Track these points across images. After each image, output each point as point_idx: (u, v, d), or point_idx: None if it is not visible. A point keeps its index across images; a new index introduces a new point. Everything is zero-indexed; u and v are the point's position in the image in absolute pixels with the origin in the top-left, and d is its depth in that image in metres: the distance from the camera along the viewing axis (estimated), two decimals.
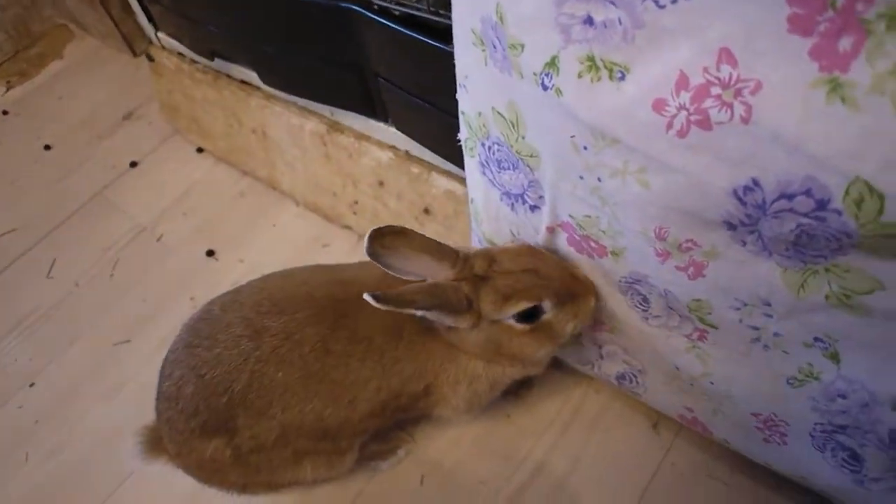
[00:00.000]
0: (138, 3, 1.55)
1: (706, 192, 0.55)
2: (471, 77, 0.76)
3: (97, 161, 1.71)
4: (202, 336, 0.87)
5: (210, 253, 1.47)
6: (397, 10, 0.91)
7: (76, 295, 1.46)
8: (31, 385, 1.31)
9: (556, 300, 0.81)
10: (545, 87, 0.61)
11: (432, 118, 0.98)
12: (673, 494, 1.01)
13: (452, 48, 0.76)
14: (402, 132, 1.12)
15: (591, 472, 1.04)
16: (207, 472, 0.92)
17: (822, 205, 0.49)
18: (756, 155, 0.50)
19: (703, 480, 1.01)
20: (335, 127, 1.26)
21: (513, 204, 0.83)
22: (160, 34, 1.57)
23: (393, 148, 1.18)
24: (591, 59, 0.56)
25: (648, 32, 0.51)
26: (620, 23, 0.52)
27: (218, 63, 1.44)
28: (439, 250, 0.82)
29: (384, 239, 0.80)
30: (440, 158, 1.08)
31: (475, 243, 1.00)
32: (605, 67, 0.56)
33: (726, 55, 0.48)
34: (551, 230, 0.80)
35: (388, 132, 1.16)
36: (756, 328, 0.67)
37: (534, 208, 0.80)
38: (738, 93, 0.49)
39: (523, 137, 0.71)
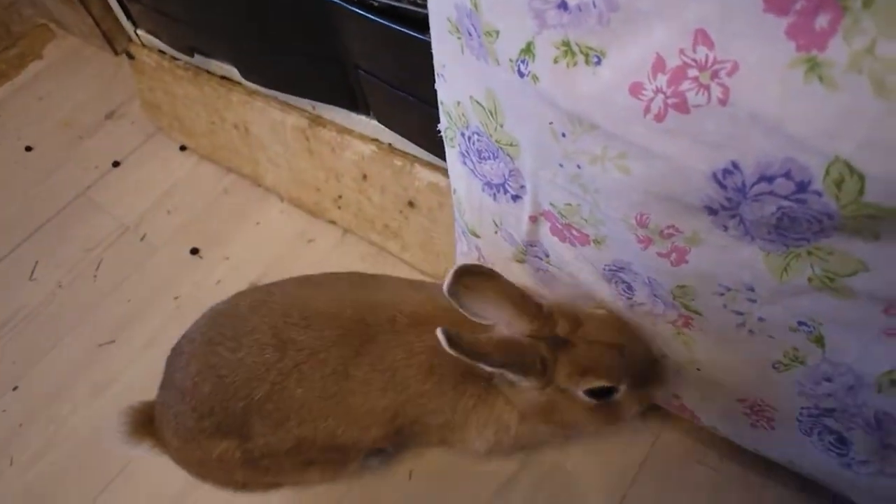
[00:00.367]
0: (117, 2, 1.53)
1: (686, 176, 0.55)
2: (448, 66, 0.74)
3: (79, 161, 1.69)
4: (226, 335, 0.84)
5: (194, 251, 1.46)
6: (376, 1, 0.89)
7: (59, 296, 1.44)
8: (15, 388, 1.30)
9: (632, 383, 0.78)
10: (521, 74, 0.60)
11: (413, 110, 0.96)
12: (662, 481, 1.01)
13: (430, 38, 0.75)
14: (384, 125, 1.11)
15: (579, 462, 1.04)
16: (209, 470, 0.90)
17: (802, 187, 0.48)
18: (735, 137, 0.49)
19: (692, 467, 1.00)
20: (317, 121, 1.25)
21: (494, 194, 0.82)
22: (140, 31, 1.55)
23: (375, 141, 1.17)
24: (566, 44, 0.55)
25: (623, 15, 0.50)
26: (595, 6, 0.51)
27: (198, 59, 1.42)
28: (523, 301, 0.77)
29: (468, 278, 0.75)
30: (423, 150, 1.07)
31: (458, 234, 0.99)
32: (581, 52, 0.55)
33: (702, 36, 0.47)
34: (534, 219, 0.79)
35: (370, 125, 1.15)
36: (741, 313, 0.67)
37: (515, 198, 0.79)
38: (714, 74, 0.48)
39: (502, 126, 0.70)
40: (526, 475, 1.05)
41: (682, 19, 0.48)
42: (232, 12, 1.15)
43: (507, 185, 0.79)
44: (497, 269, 0.93)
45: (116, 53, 1.89)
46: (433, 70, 0.78)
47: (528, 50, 0.58)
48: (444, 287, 0.74)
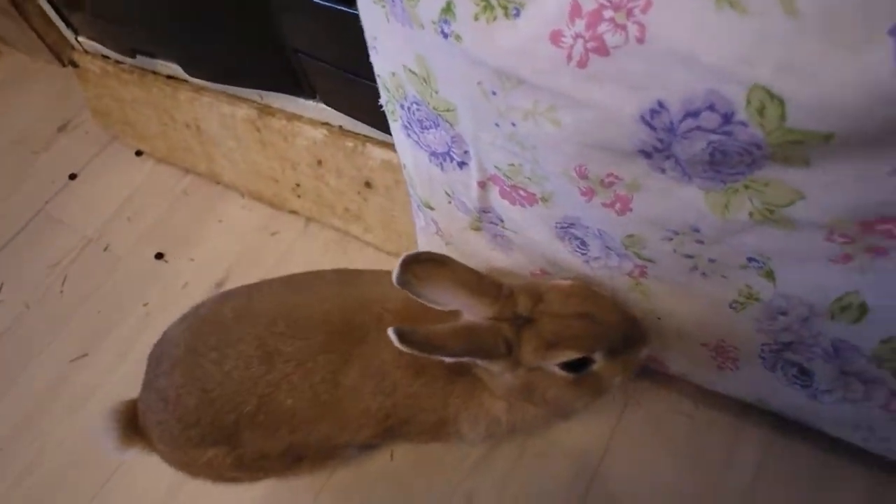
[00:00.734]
0: (55, 11, 1.49)
1: (616, 121, 0.54)
2: (378, 37, 0.73)
3: (35, 177, 1.67)
4: (209, 345, 0.81)
5: (159, 256, 1.44)
6: None
7: (27, 316, 1.42)
8: None
9: (608, 351, 0.74)
10: (445, 35, 0.59)
11: (356, 88, 0.95)
12: (640, 434, 1.01)
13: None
14: (332, 107, 1.09)
15: (557, 426, 1.04)
16: (197, 470, 0.88)
17: (727, 118, 0.48)
18: (657, 75, 0.49)
19: (668, 417, 1.01)
20: (266, 111, 1.23)
21: (441, 163, 0.81)
22: (81, 38, 1.51)
23: (326, 125, 1.16)
24: None
25: None
26: None
27: (142, 60, 1.39)
28: (480, 284, 0.73)
29: (417, 268, 0.71)
30: (373, 129, 1.06)
31: (414, 209, 0.99)
32: (500, 6, 0.54)
33: None
34: (482, 185, 0.79)
35: (318, 109, 1.14)
36: (691, 256, 0.67)
37: (462, 165, 0.78)
38: (629, 13, 0.47)
39: (437, 92, 0.69)
40: (504, 446, 1.05)
41: None
42: (167, 7, 1.13)
43: (451, 153, 0.78)
44: (455, 240, 0.94)
45: (64, 65, 1.85)
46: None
47: (448, 9, 0.57)
48: (393, 278, 0.71)
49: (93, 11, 1.33)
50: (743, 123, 0.48)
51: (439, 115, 0.73)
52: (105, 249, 1.49)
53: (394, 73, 0.75)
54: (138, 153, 1.64)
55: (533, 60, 0.54)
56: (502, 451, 1.05)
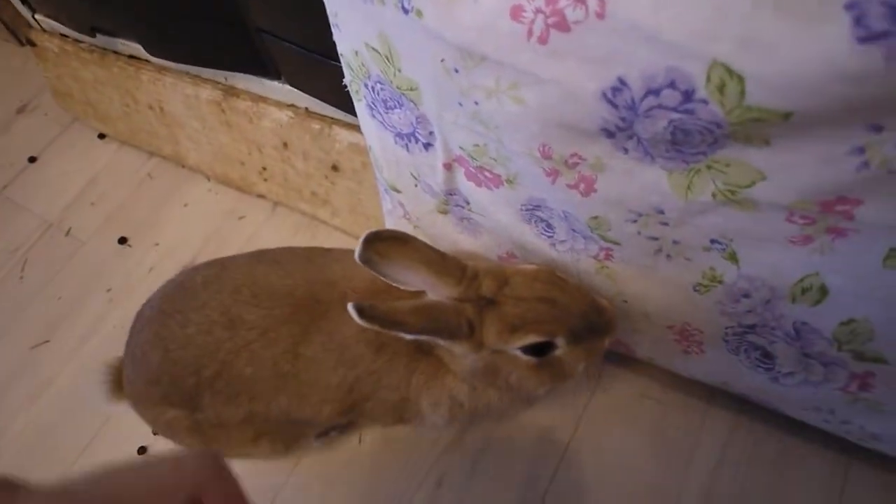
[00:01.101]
0: None
1: (578, 99, 0.53)
2: (340, 14, 0.71)
3: None
4: (176, 307, 0.83)
5: (123, 241, 1.40)
6: None
7: None
8: None
9: (571, 337, 0.73)
10: (406, 11, 0.58)
11: (321, 68, 0.93)
12: (608, 417, 1.02)
13: None
14: (297, 88, 1.07)
15: (525, 412, 1.04)
16: (161, 429, 0.90)
17: (687, 96, 0.47)
18: (617, 51, 0.48)
19: (636, 401, 1.01)
20: (230, 92, 1.20)
21: (407, 145, 0.79)
22: (38, 16, 1.46)
23: (292, 106, 1.13)
24: None
25: None
26: None
27: (102, 39, 1.35)
28: (443, 264, 0.72)
29: (379, 245, 0.71)
30: (339, 111, 1.04)
31: (381, 192, 0.97)
32: None
33: None
34: (448, 167, 0.77)
35: (283, 90, 1.11)
36: (655, 238, 0.66)
37: (427, 146, 0.77)
38: None
39: (400, 71, 0.68)
40: (472, 432, 1.04)
41: None
42: None
43: (416, 134, 0.77)
44: (422, 223, 0.93)
45: (22, 44, 1.79)
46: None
47: None
48: (356, 255, 0.70)
49: None
50: (703, 101, 0.47)
51: (403, 94, 0.71)
52: (67, 234, 1.45)
53: (356, 52, 0.73)
54: (101, 136, 1.59)
55: (494, 36, 0.53)
56: (472, 435, 1.04)
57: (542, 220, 0.75)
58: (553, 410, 1.03)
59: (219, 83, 1.22)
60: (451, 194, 0.83)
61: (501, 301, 0.72)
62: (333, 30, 0.75)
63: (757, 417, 0.95)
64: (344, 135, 1.07)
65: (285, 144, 1.17)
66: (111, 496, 0.35)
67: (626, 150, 0.57)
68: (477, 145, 0.69)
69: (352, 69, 0.77)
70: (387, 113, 0.77)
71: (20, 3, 1.45)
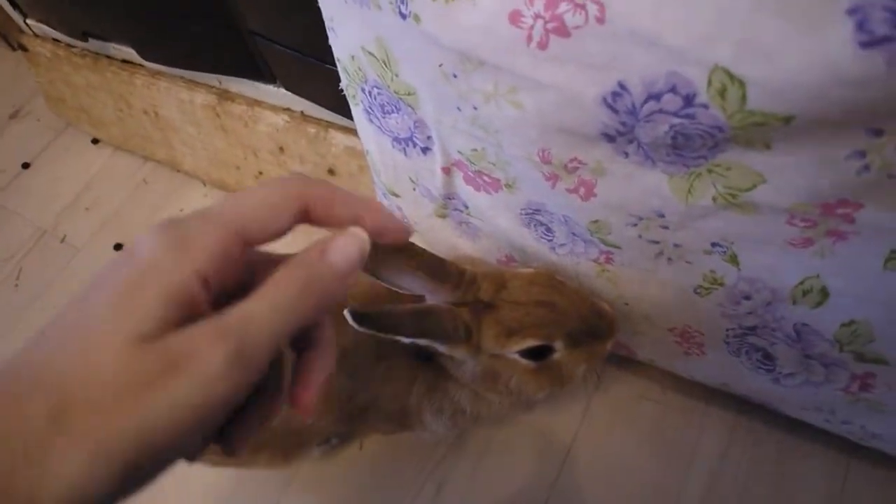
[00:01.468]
0: None
1: (578, 104, 0.53)
2: (336, 18, 0.71)
3: None
4: None
5: (118, 247, 1.40)
6: None
7: None
8: None
9: (570, 340, 0.72)
10: (403, 16, 0.57)
11: (316, 72, 0.92)
12: (609, 419, 1.02)
13: None
14: (292, 92, 1.07)
15: (525, 416, 1.04)
16: None
17: (689, 100, 0.47)
18: (618, 56, 0.48)
19: (636, 402, 1.01)
20: (225, 96, 1.19)
21: (405, 149, 0.79)
22: (30, 21, 1.45)
23: (287, 110, 1.13)
24: None
25: None
26: None
27: (94, 44, 1.34)
28: (441, 269, 0.70)
29: (377, 251, 0.71)
30: (335, 115, 1.04)
31: (379, 196, 0.97)
32: None
33: None
34: (447, 171, 0.77)
35: (279, 94, 1.11)
36: (656, 242, 0.66)
37: (425, 150, 0.77)
38: None
39: (397, 75, 0.67)
40: (474, 433, 1.04)
41: None
42: None
43: (414, 138, 0.76)
44: (421, 227, 0.92)
45: (13, 49, 1.78)
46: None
47: None
48: None
49: None
50: (704, 106, 0.47)
51: (400, 98, 0.71)
52: (62, 241, 1.44)
53: (353, 56, 0.73)
54: (94, 141, 1.58)
55: (492, 41, 0.53)
56: (472, 439, 1.04)
57: (542, 224, 0.75)
58: (553, 413, 1.03)
59: (213, 87, 1.22)
60: (449, 198, 0.83)
61: (499, 305, 0.72)
62: (329, 34, 0.75)
63: (756, 417, 0.96)
64: (340, 138, 1.07)
65: (281, 149, 1.17)
66: (233, 209, 0.35)
67: (626, 155, 0.57)
68: (475, 150, 0.69)
69: (348, 74, 0.77)
70: (384, 117, 0.77)
71: (11, 7, 1.44)
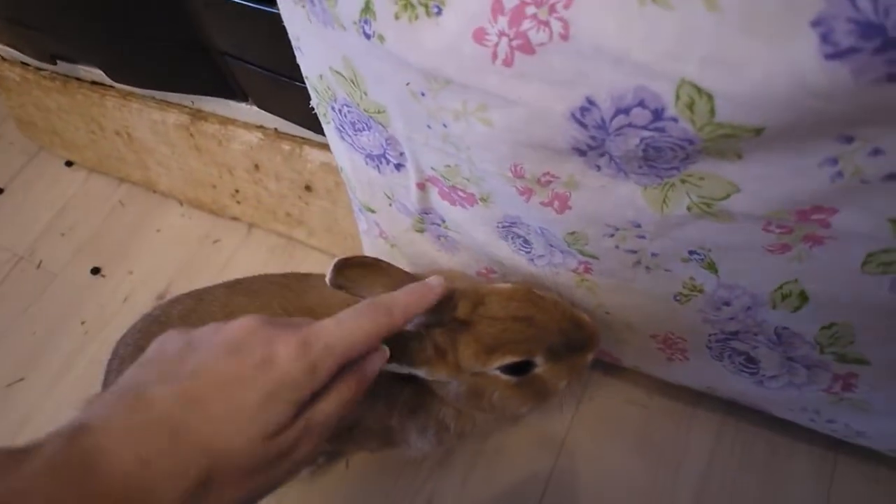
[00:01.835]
0: None
1: (547, 120, 0.52)
2: (302, 38, 0.70)
3: None
4: None
5: (96, 271, 1.38)
6: None
7: None
8: None
9: (550, 355, 0.71)
10: (367, 36, 0.56)
11: (289, 90, 0.91)
12: (596, 426, 1.01)
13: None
14: (265, 109, 1.05)
15: (512, 427, 1.04)
16: None
17: (658, 114, 0.47)
18: (583, 72, 0.47)
19: (622, 408, 1.01)
20: (198, 115, 1.18)
21: (378, 166, 0.78)
22: None
23: (261, 128, 1.12)
24: None
25: None
26: None
27: (63, 66, 1.32)
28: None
29: (349, 272, 0.69)
30: (309, 131, 1.03)
31: (356, 212, 0.96)
32: (420, 3, 0.51)
33: None
34: (422, 186, 0.76)
35: (251, 112, 1.09)
36: (634, 251, 0.66)
37: (399, 167, 0.76)
38: (552, 9, 0.45)
39: (366, 94, 0.66)
40: (460, 450, 1.03)
41: None
42: (86, 11, 1.07)
43: (387, 155, 0.75)
44: (399, 242, 0.91)
45: None
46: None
47: (368, 8, 0.54)
48: (327, 281, 0.68)
49: (6, 16, 1.25)
50: (673, 119, 0.46)
51: (371, 116, 0.70)
52: (38, 267, 1.42)
53: (321, 76, 0.72)
54: (68, 163, 1.56)
55: (458, 60, 0.52)
56: (460, 452, 1.03)
57: (519, 237, 0.74)
58: (540, 423, 1.02)
59: (186, 107, 1.20)
60: (426, 213, 0.82)
61: (476, 322, 0.70)
62: (296, 53, 0.74)
63: (744, 418, 0.96)
64: (315, 154, 1.06)
65: (256, 166, 1.15)
66: (346, 344, 0.53)
67: (598, 168, 0.56)
68: (448, 166, 0.68)
69: (318, 92, 0.76)
70: (356, 135, 0.76)
71: None
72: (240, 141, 1.14)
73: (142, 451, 0.42)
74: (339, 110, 0.74)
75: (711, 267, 0.64)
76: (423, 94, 0.58)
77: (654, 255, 0.65)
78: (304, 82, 0.78)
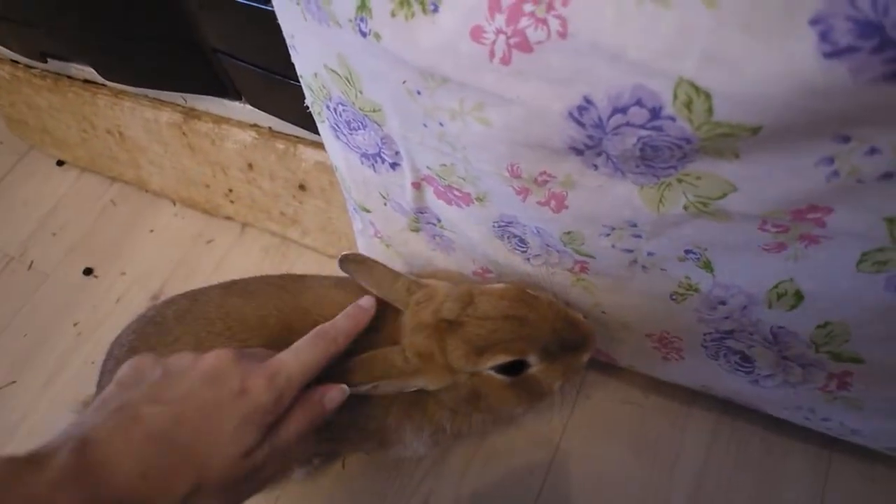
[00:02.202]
0: None
1: (544, 119, 0.52)
2: (297, 36, 0.69)
3: None
4: (149, 344, 0.80)
5: (88, 271, 1.36)
6: None
7: None
8: None
9: (544, 354, 0.71)
10: (363, 34, 0.56)
11: (282, 89, 0.91)
12: (592, 425, 1.01)
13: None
14: (258, 108, 1.05)
15: (508, 427, 1.03)
16: None
17: (655, 113, 0.47)
18: (581, 71, 0.47)
19: (618, 407, 1.01)
20: (191, 114, 1.17)
21: (373, 165, 0.78)
22: None
23: (254, 126, 1.11)
24: None
25: None
26: None
27: (55, 64, 1.31)
28: (390, 287, 0.75)
29: (349, 265, 0.77)
30: (303, 130, 1.02)
31: (351, 212, 0.95)
32: (417, 0, 0.51)
33: None
34: (417, 186, 0.76)
35: (245, 111, 1.09)
36: (630, 251, 0.66)
37: (394, 165, 0.75)
38: (549, 7, 0.45)
39: (361, 92, 0.66)
40: (455, 451, 1.03)
41: None
42: (78, 8, 1.06)
43: (382, 154, 0.75)
44: (394, 241, 0.91)
45: None
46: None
47: (364, 6, 0.54)
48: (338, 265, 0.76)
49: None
50: (671, 118, 0.46)
51: (366, 115, 0.69)
52: (29, 267, 1.41)
53: (316, 74, 0.71)
54: (60, 163, 1.55)
55: (455, 58, 0.52)
56: (457, 451, 1.03)
57: (515, 236, 0.74)
58: (537, 422, 1.02)
59: (178, 105, 1.19)
60: (421, 212, 0.82)
61: (465, 322, 0.70)
62: (291, 51, 0.74)
63: (739, 417, 0.96)
64: (310, 153, 1.05)
65: (250, 165, 1.15)
66: (301, 373, 0.62)
67: (595, 167, 0.56)
68: (444, 165, 0.68)
69: (312, 91, 0.75)
70: (351, 134, 0.76)
71: None
72: (233, 140, 1.13)
73: (141, 464, 0.49)
74: (335, 109, 0.74)
75: (707, 266, 0.64)
76: (419, 93, 0.58)
77: (650, 254, 0.65)
78: (298, 81, 0.78)
